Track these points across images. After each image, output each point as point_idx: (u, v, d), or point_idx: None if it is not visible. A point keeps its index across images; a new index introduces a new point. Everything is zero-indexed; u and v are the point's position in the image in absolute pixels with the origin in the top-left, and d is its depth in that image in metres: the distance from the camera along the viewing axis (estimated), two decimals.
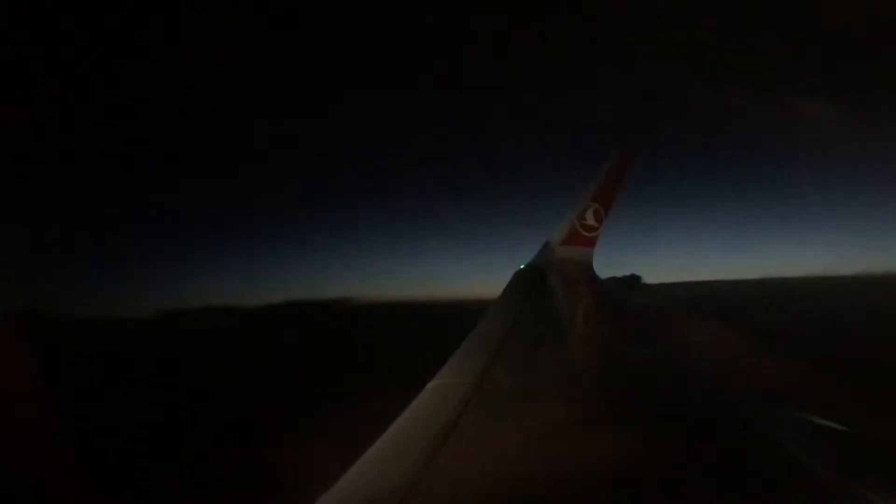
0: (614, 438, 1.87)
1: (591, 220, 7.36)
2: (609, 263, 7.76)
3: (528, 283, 6.16)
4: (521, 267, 6.98)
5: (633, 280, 7.93)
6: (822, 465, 1.70)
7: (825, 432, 2.10)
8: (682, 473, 1.65)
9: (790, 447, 1.84)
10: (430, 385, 2.48)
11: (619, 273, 8.18)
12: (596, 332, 4.34)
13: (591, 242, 7.40)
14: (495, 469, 1.68)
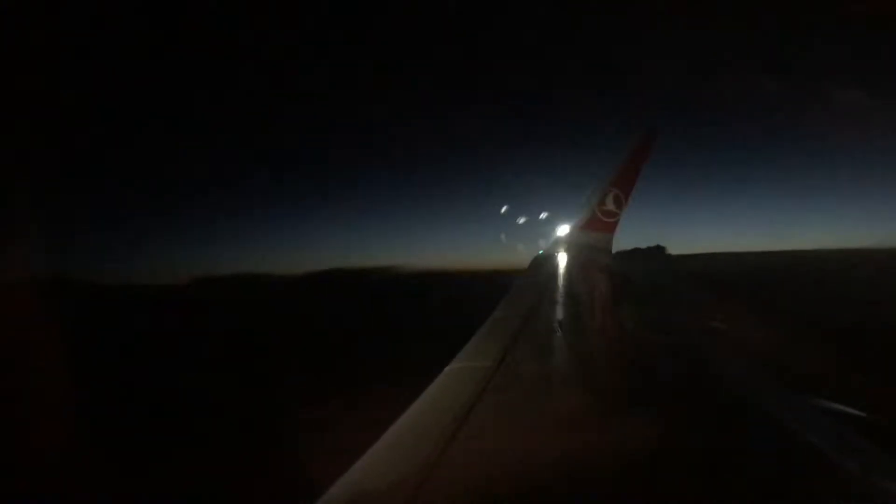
0: (632, 424, 1.83)
1: (610, 206, 7.24)
2: (636, 233, 7.66)
3: (547, 268, 6.12)
4: (541, 252, 6.94)
5: (658, 251, 7.78)
6: (841, 452, 1.66)
7: (844, 419, 2.05)
8: (701, 461, 1.60)
9: (808, 434, 1.80)
10: (448, 368, 2.46)
11: (644, 244, 8.05)
12: (613, 317, 4.29)
13: (611, 228, 7.29)
14: (513, 454, 1.65)
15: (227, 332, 16.31)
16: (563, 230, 7.28)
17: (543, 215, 7.09)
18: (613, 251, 7.32)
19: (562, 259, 6.61)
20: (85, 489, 5.47)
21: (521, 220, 6.94)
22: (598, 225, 7.22)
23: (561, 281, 5.56)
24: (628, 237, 7.50)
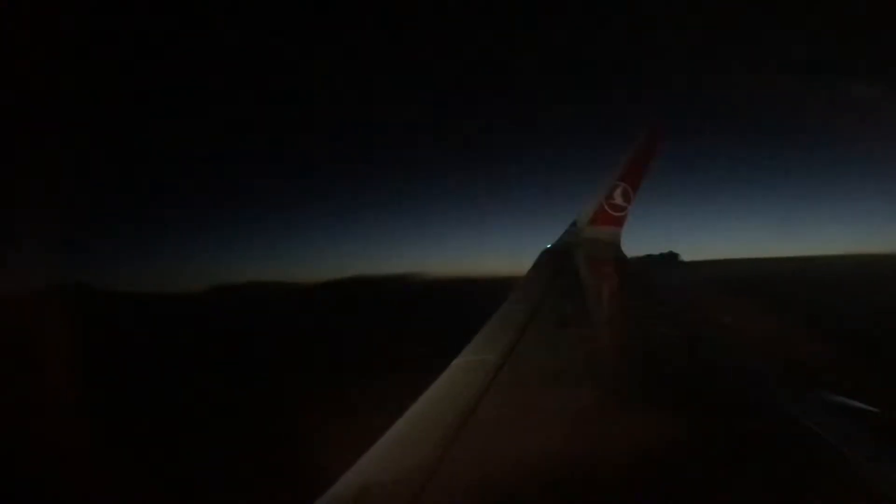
0: (639, 418, 1.81)
1: (618, 200, 7.21)
2: (648, 239, 7.62)
3: (554, 263, 6.08)
4: (548, 246, 6.90)
5: (671, 257, 7.74)
6: (852, 447, 1.63)
7: (857, 414, 2.02)
8: (710, 456, 1.58)
9: (820, 429, 1.76)
10: (455, 362, 2.44)
11: (657, 250, 8.00)
12: (620, 311, 4.25)
13: (619, 222, 7.25)
14: (519, 447, 1.63)
15: (245, 339, 16.37)
16: (570, 225, 7.24)
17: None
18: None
19: (569, 253, 6.56)
20: (106, 496, 5.50)
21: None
22: (607, 219, 7.18)
23: (570, 274, 5.52)
24: (639, 243, 7.46)
